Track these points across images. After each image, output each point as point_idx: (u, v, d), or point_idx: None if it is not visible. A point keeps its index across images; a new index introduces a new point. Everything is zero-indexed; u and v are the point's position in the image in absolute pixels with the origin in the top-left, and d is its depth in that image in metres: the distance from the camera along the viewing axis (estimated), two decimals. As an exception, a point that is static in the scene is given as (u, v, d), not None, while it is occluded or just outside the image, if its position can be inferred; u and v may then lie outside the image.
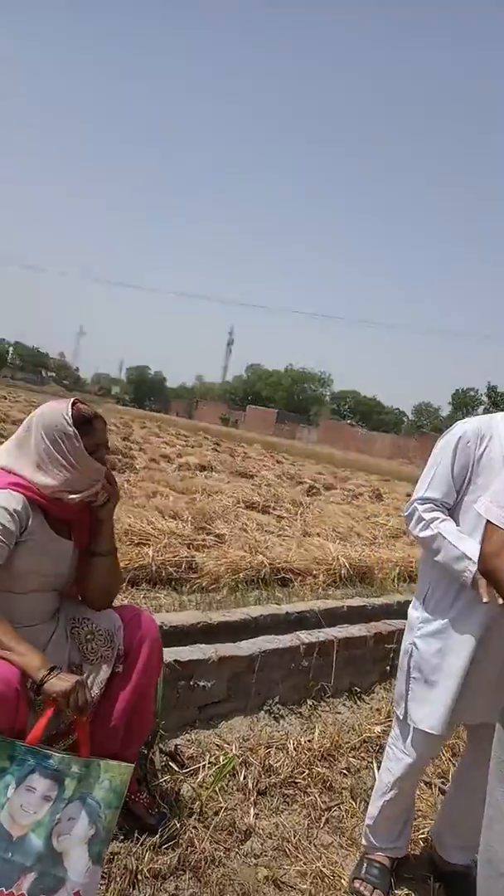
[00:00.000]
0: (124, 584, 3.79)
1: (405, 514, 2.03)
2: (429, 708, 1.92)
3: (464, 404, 65.28)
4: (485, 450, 1.91)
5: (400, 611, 4.05)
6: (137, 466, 10.88)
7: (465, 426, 1.98)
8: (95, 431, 1.87)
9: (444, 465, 1.95)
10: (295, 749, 2.59)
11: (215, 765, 2.37)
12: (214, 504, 8.17)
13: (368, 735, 2.89)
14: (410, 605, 2.09)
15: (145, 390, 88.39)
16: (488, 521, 1.36)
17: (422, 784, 2.64)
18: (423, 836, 2.33)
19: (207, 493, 9.15)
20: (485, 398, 53.47)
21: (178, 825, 2.01)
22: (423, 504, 1.96)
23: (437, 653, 1.92)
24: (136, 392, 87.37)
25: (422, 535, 1.93)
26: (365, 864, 2.08)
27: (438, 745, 2.00)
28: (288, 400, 77.36)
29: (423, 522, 1.93)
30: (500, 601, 1.59)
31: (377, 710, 3.17)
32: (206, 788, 2.24)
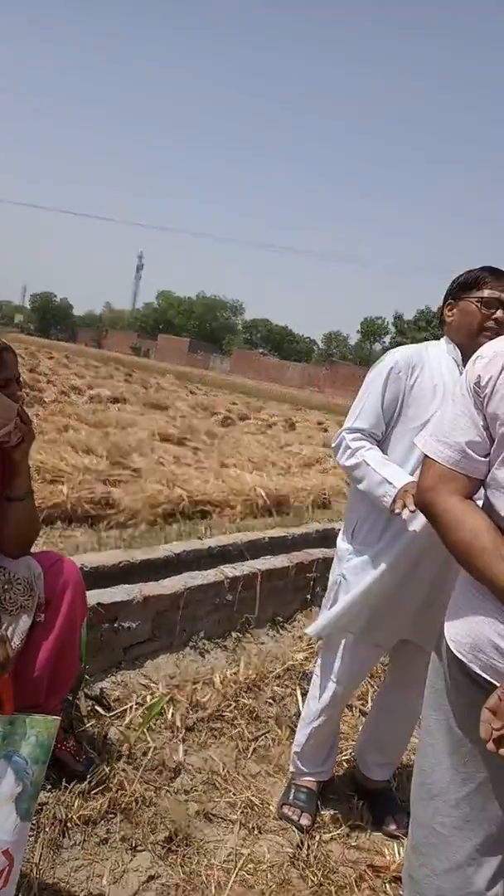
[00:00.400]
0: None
1: (333, 444, 2.02)
2: (353, 618, 1.96)
3: (371, 333, 66.73)
4: (416, 380, 1.89)
5: (319, 539, 4.14)
6: (46, 400, 10.48)
7: (396, 356, 1.94)
8: (5, 364, 1.70)
9: (374, 395, 1.92)
10: (221, 683, 2.61)
11: (142, 705, 2.34)
12: (129, 437, 8.01)
13: (292, 663, 2.95)
14: (339, 537, 2.08)
15: (50, 319, 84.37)
16: (425, 455, 1.33)
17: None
18: (345, 757, 2.41)
19: (121, 427, 8.96)
20: (391, 327, 54.73)
21: (106, 769, 1.98)
22: (350, 434, 1.94)
23: (366, 574, 1.93)
24: (40, 321, 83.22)
25: (347, 463, 1.92)
26: (293, 790, 2.13)
27: (365, 662, 2.04)
28: (200, 328, 76.34)
29: (350, 451, 1.91)
30: (409, 511, 1.69)
31: (299, 637, 3.24)
32: (135, 730, 2.22)
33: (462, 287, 1.90)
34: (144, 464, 6.67)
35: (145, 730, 2.23)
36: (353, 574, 1.96)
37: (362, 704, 2.78)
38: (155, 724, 2.30)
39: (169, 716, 2.35)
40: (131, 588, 2.56)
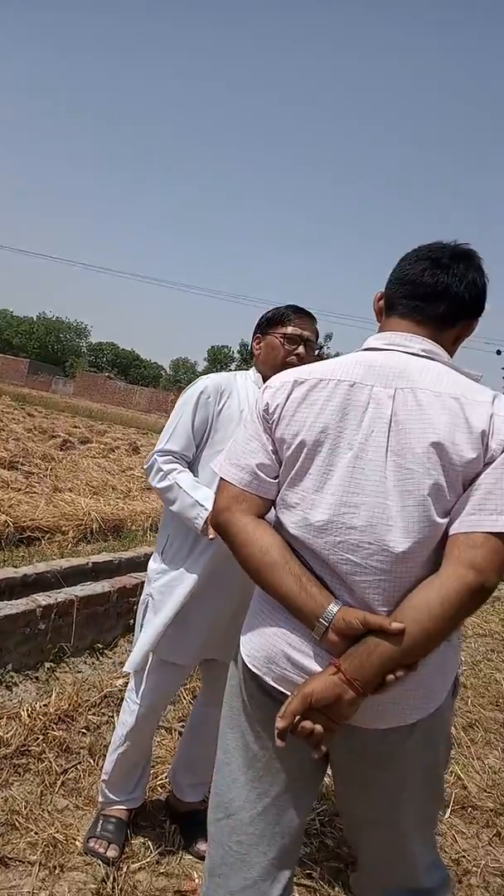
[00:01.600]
0: None
1: (145, 466, 2.02)
2: (157, 637, 1.94)
3: (218, 360, 68.32)
4: (223, 406, 1.97)
5: (147, 562, 4.07)
6: None
7: (207, 381, 2.01)
8: None
9: (184, 418, 1.97)
10: (28, 716, 2.47)
11: None
12: (-49, 462, 7.49)
13: (110, 690, 2.86)
14: (150, 559, 2.08)
15: None
16: (221, 478, 1.37)
17: (162, 730, 2.70)
18: (161, 782, 2.37)
19: None
20: (237, 354, 56.47)
21: None
22: (162, 456, 1.96)
23: (173, 594, 1.93)
24: None
25: (160, 485, 1.93)
26: (101, 822, 2.05)
27: (167, 683, 2.02)
28: (41, 350, 73.57)
29: (162, 473, 1.93)
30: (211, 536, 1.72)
31: (120, 663, 3.15)
32: None
33: (269, 323, 2.04)
34: (-33, 490, 6.26)
35: None
36: (160, 594, 1.95)
37: (182, 727, 2.75)
38: (-51, 768, 2.12)
39: (-34, 757, 2.18)
40: None
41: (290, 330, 1.98)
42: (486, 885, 2.16)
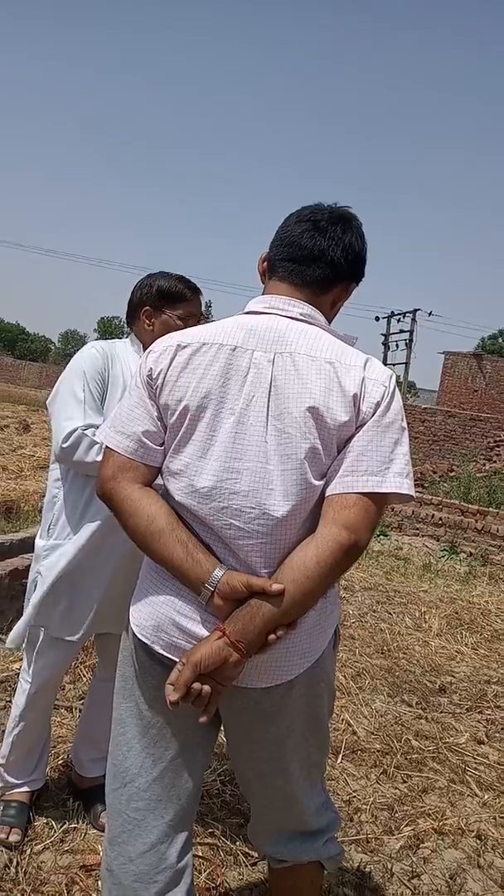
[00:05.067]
0: None
1: (63, 445, 1.82)
2: (49, 614, 1.91)
3: (109, 331, 66.71)
4: (111, 373, 1.94)
5: (41, 543, 3.96)
6: None
7: (96, 349, 1.97)
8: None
9: (90, 387, 1.89)
10: None
11: None
12: None
13: (7, 674, 2.80)
14: (36, 536, 2.02)
15: None
16: (106, 446, 1.33)
17: (62, 709, 2.67)
18: (62, 761, 2.35)
19: None
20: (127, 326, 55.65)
21: None
22: (87, 429, 1.82)
23: (63, 568, 1.89)
24: None
25: (101, 458, 1.78)
26: (2, 807, 2.02)
27: (60, 659, 1.99)
28: None
29: (97, 446, 1.77)
30: None
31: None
32: None
33: (162, 297, 1.98)
34: None
35: None
36: (48, 570, 1.91)
37: (82, 704, 2.73)
38: None
39: None
40: None
41: (188, 311, 1.97)
42: (374, 820, 2.32)
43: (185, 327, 1.95)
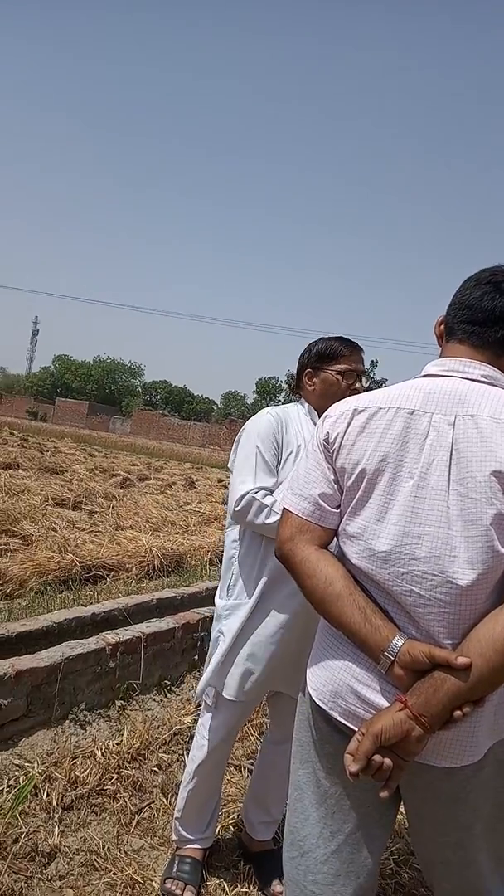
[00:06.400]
0: None
1: (236, 507, 1.92)
2: (224, 674, 1.95)
3: (266, 392, 69.01)
4: (285, 438, 1.99)
5: (209, 596, 4.11)
6: None
7: (271, 414, 2.04)
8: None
9: (262, 452, 1.96)
10: (103, 755, 2.50)
11: (15, 787, 2.21)
12: (20, 504, 7.74)
13: (179, 727, 2.88)
14: (216, 595, 2.10)
15: None
16: (284, 508, 1.38)
17: (231, 768, 2.69)
18: (233, 821, 2.36)
19: (12, 493, 8.64)
20: (284, 385, 57.10)
21: (-30, 863, 1.84)
22: (257, 492, 1.91)
23: (239, 629, 1.94)
24: None
25: (269, 521, 1.86)
26: (176, 862, 2.06)
27: (235, 719, 2.03)
28: (99, 392, 75.63)
29: (267, 508, 1.87)
30: None
31: (187, 700, 3.17)
32: (4, 815, 2.08)
33: (321, 358, 2.06)
34: (35, 530, 6.46)
35: (16, 813, 2.09)
36: (229, 630, 1.97)
37: (251, 764, 2.74)
38: (29, 807, 2.17)
39: (45, 796, 2.22)
40: (2, 663, 2.43)
41: (344, 366, 2.01)
42: None
43: (346, 383, 2.00)
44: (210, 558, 6.63)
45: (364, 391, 1.95)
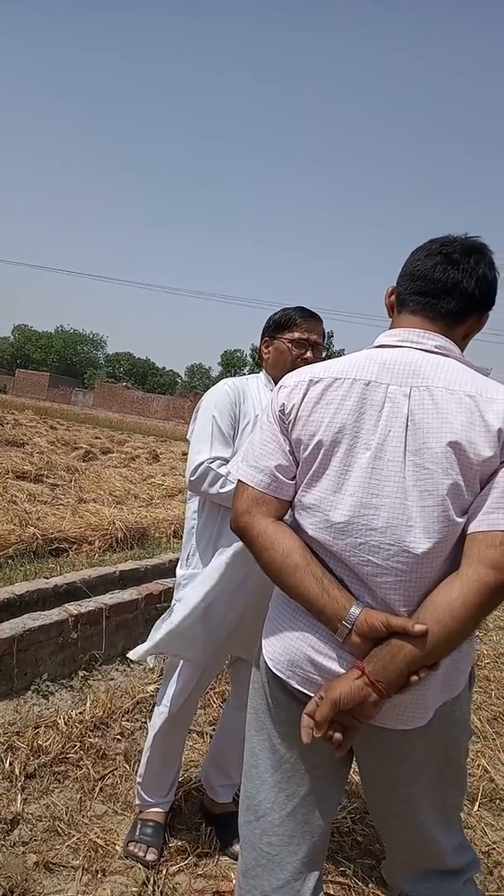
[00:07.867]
0: None
1: (191, 476, 1.95)
2: (183, 639, 1.96)
3: (231, 364, 68.83)
4: (242, 408, 2.00)
5: (172, 568, 4.12)
6: None
7: (228, 385, 2.04)
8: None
9: (219, 422, 1.97)
10: (66, 724, 2.52)
11: (-24, 758, 2.22)
12: (-22, 477, 7.62)
13: (142, 696, 2.91)
14: (177, 566, 2.11)
15: None
16: (240, 480, 1.38)
17: (194, 734, 2.74)
18: (195, 785, 2.41)
19: (-31, 466, 8.50)
20: (249, 358, 57.00)
21: None
22: (213, 462, 1.93)
23: (197, 596, 1.95)
24: None
25: (224, 490, 1.89)
26: (139, 825, 2.10)
27: (194, 684, 2.06)
28: (60, 363, 74.36)
29: (222, 478, 1.89)
30: None
31: (150, 669, 3.21)
32: (-34, 785, 2.09)
33: (276, 326, 2.06)
34: (-6, 503, 6.38)
35: (-22, 784, 2.10)
36: (186, 598, 1.99)
37: (212, 730, 2.79)
38: (-9, 777, 2.18)
39: (6, 765, 2.23)
40: (-38, 636, 2.42)
41: (297, 335, 2.00)
42: (520, 877, 2.17)
43: (298, 352, 1.99)
44: (174, 531, 6.64)
45: (317, 361, 1.96)
